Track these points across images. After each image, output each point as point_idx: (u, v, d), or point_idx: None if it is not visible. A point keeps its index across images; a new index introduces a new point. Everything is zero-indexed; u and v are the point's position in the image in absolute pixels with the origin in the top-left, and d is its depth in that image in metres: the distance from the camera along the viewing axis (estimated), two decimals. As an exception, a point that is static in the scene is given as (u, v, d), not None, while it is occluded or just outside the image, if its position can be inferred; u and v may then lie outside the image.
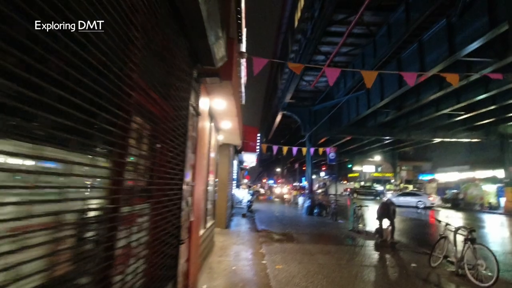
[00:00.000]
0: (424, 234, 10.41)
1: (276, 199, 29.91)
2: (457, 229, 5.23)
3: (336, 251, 6.77)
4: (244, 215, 12.57)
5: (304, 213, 15.14)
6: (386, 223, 8.12)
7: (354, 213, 9.91)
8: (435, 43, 9.68)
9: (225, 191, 8.81)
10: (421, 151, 41.69)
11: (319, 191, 28.68)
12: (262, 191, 41.15)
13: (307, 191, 18.21)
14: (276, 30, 18.62)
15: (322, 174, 58.57)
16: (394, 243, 7.92)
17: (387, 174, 45.03)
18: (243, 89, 6.99)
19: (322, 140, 16.06)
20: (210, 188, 6.12)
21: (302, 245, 7.26)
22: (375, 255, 6.56)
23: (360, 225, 9.49)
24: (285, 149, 11.63)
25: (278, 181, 55.86)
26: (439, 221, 5.70)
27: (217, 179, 8.32)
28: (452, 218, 15.75)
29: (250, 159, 17.33)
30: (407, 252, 6.97)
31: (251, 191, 15.38)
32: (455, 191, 23.52)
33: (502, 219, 16.90)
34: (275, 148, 11.54)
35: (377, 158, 34.78)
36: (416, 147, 34.46)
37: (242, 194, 16.83)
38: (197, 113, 3.60)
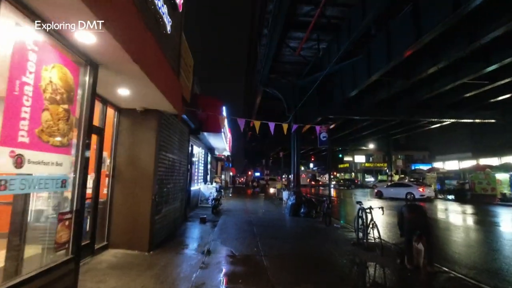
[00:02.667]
0: (476, 249, 7.14)
1: (261, 194, 26.45)
2: None
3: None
4: (203, 220, 8.97)
5: (287, 214, 11.73)
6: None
7: (359, 217, 6.53)
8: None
9: (148, 188, 5.19)
10: (414, 139, 39.17)
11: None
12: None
13: (291, 185, 14.79)
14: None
15: (311, 165, 55.87)
16: (434, 273, 4.61)
17: (379, 164, 42.49)
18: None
19: (307, 127, 12.45)
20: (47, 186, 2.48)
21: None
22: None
23: (371, 236, 6.14)
24: (257, 124, 8.06)
25: (265, 173, 52.65)
26: None
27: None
28: (455, 213, 12.65)
29: (219, 145, 13.71)
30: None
31: (217, 186, 11.78)
32: (461, 181, 20.71)
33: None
34: (241, 123, 7.92)
35: (370, 147, 31.90)
36: (410, 134, 31.77)
37: (210, 190, 13.22)
38: None
